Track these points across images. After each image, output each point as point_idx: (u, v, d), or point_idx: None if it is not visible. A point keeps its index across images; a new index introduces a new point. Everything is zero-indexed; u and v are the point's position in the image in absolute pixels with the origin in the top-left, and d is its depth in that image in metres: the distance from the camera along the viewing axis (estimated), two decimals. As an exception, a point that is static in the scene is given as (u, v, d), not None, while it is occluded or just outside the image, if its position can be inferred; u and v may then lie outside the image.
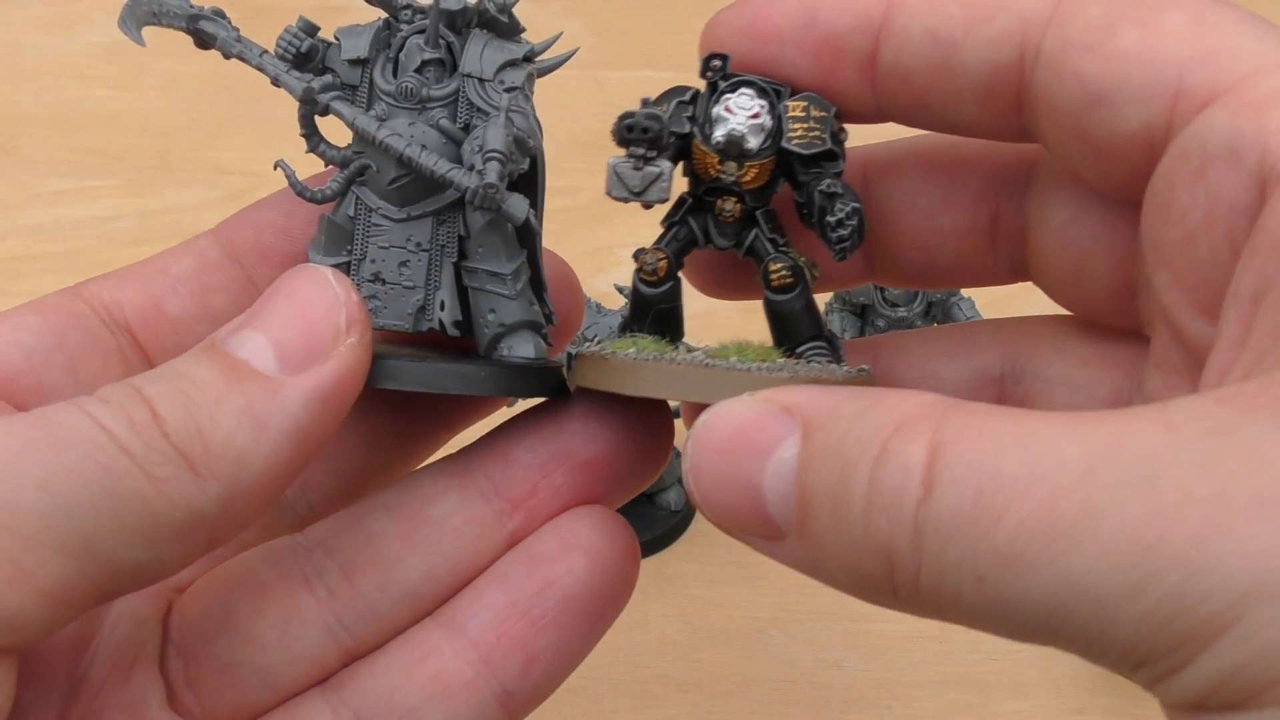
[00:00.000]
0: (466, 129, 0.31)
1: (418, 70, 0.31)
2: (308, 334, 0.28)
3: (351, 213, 0.32)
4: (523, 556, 0.32)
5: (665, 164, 0.31)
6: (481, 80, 0.31)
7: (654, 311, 0.33)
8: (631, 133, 0.31)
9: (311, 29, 0.32)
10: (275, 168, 0.32)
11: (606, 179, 0.31)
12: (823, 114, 0.31)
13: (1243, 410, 0.22)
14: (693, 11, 0.82)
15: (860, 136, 0.32)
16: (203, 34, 0.32)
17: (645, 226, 0.74)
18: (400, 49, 0.32)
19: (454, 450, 0.34)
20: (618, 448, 0.33)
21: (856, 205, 0.30)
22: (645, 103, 0.31)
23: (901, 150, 0.33)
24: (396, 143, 0.31)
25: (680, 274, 0.33)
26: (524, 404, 0.34)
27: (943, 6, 0.29)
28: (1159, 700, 0.23)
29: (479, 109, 0.31)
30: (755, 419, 0.26)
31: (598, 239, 0.70)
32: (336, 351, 0.28)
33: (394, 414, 0.34)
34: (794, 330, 0.32)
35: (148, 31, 0.35)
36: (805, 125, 0.31)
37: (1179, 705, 0.22)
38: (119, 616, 0.31)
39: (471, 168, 0.30)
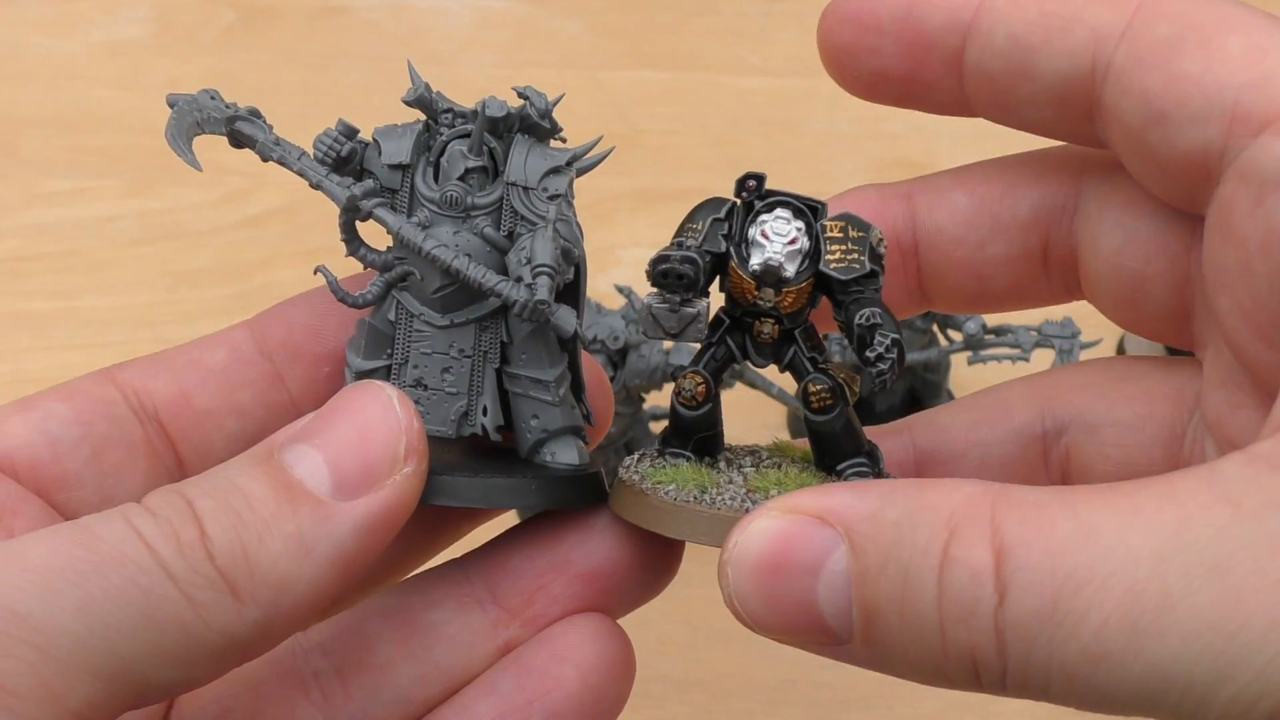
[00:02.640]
0: (510, 236, 0.32)
1: (460, 178, 0.31)
2: (365, 459, 0.28)
3: (392, 317, 0.32)
4: (513, 667, 0.32)
5: (702, 304, 0.31)
6: (526, 189, 0.32)
7: (695, 439, 0.33)
8: (666, 279, 0.31)
9: (350, 131, 0.32)
10: (315, 272, 0.32)
11: (641, 319, 0.32)
12: (861, 234, 0.31)
13: None
14: (693, 11, 0.82)
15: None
16: (240, 135, 0.32)
17: (646, 227, 0.74)
18: (442, 154, 0.32)
19: (458, 553, 0.34)
20: (620, 559, 0.33)
21: (896, 337, 0.30)
22: (679, 245, 0.31)
23: (948, 183, 0.34)
24: (444, 254, 0.31)
25: (719, 393, 0.33)
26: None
27: (1025, 13, 0.30)
28: None
29: (524, 218, 0.31)
30: (792, 534, 0.26)
31: (598, 239, 0.70)
32: (392, 480, 0.28)
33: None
34: (835, 449, 0.32)
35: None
36: (843, 248, 0.31)
37: None
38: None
39: (519, 279, 0.31)
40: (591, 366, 0.34)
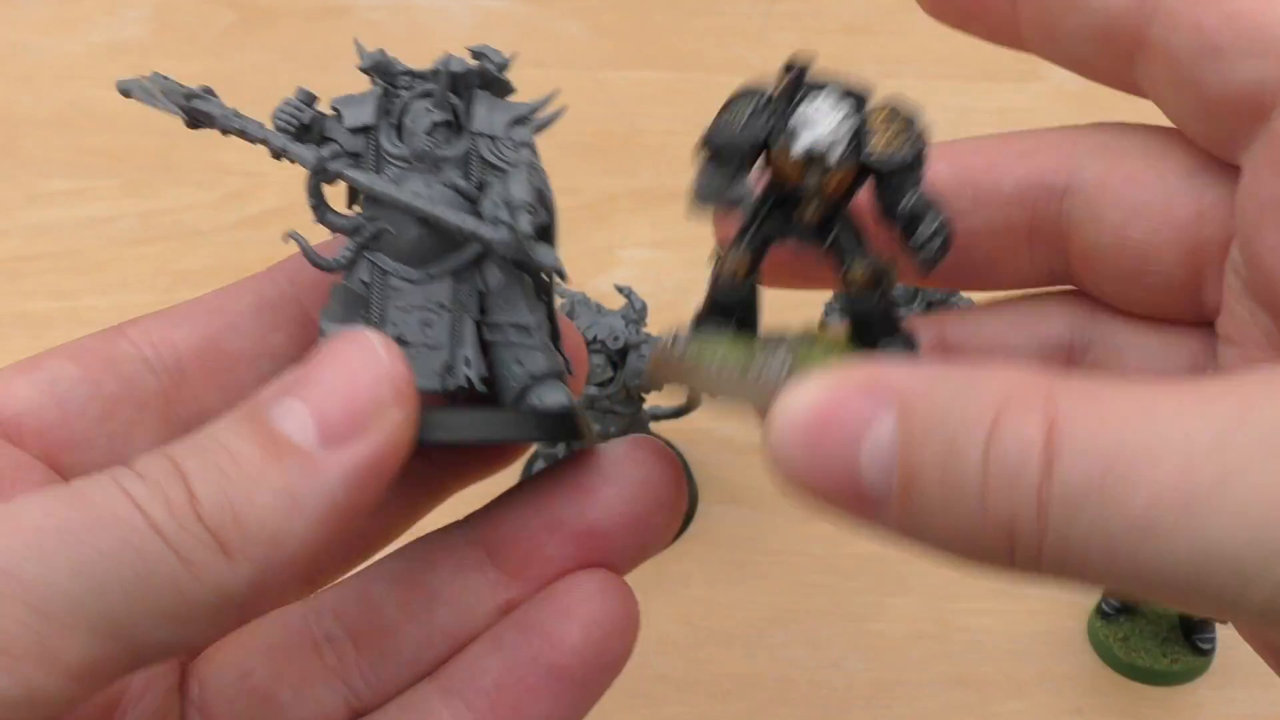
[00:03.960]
0: (480, 187, 0.32)
1: (427, 134, 0.31)
2: (351, 407, 0.27)
3: (366, 279, 0.32)
4: (519, 623, 0.32)
5: (747, 186, 0.31)
6: (493, 138, 0.32)
7: (726, 312, 0.32)
8: (721, 153, 0.30)
9: (310, 99, 0.32)
10: (286, 239, 0.32)
11: (690, 189, 0.31)
12: (906, 122, 0.30)
13: None
14: (693, 12, 0.82)
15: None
16: (197, 112, 0.32)
17: (646, 227, 0.74)
18: (403, 114, 0.32)
19: (460, 516, 0.35)
20: (615, 517, 0.33)
21: (943, 219, 0.30)
22: (711, 145, 0.31)
23: (931, 152, 0.33)
24: (421, 203, 0.31)
25: (760, 272, 0.32)
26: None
27: None
28: None
29: (493, 165, 0.31)
30: (838, 400, 0.25)
31: (598, 239, 0.70)
32: (379, 427, 0.27)
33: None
34: (874, 329, 0.32)
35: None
36: (886, 136, 0.30)
37: None
38: (144, 687, 0.32)
39: (496, 221, 0.31)
40: (560, 319, 0.34)
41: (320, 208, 0.32)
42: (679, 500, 0.34)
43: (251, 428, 0.27)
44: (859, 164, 0.30)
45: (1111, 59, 0.31)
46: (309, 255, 0.32)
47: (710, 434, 0.62)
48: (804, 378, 0.26)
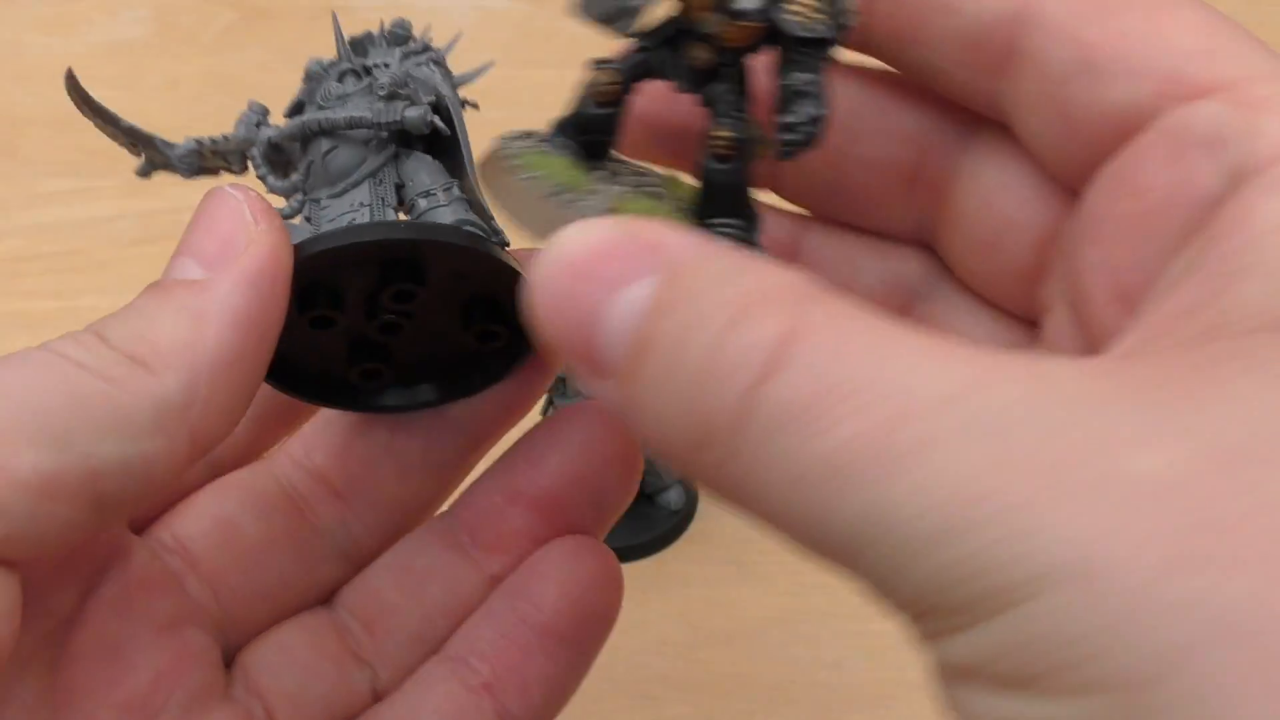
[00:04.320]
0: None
1: (338, 81, 0.33)
2: (220, 237, 0.29)
3: (309, 216, 0.33)
4: (505, 592, 0.35)
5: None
6: (388, 64, 0.33)
7: (587, 138, 0.31)
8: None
9: (265, 112, 0.34)
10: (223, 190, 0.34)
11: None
12: (831, 1, 0.28)
13: (1120, 387, 0.20)
14: (693, 12, 0.82)
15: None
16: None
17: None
18: (318, 91, 0.34)
19: None
20: (566, 481, 0.34)
21: (821, 114, 0.28)
22: None
23: (846, 71, 0.32)
24: (309, 118, 0.32)
25: (627, 99, 0.31)
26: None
27: None
28: (933, 658, 0.22)
29: (387, 84, 0.33)
30: (613, 246, 0.24)
31: (598, 239, 0.70)
32: (251, 240, 0.29)
33: (419, 440, 0.36)
34: (718, 203, 0.30)
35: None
36: (808, 7, 0.28)
37: (952, 666, 0.21)
38: (199, 654, 0.33)
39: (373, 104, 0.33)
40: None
41: (264, 178, 0.34)
42: (629, 455, 0.35)
43: (147, 290, 0.30)
44: (768, 22, 0.28)
45: (974, 70, 0.29)
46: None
47: (710, 434, 0.62)
48: (596, 220, 0.25)
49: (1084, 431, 0.20)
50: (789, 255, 0.34)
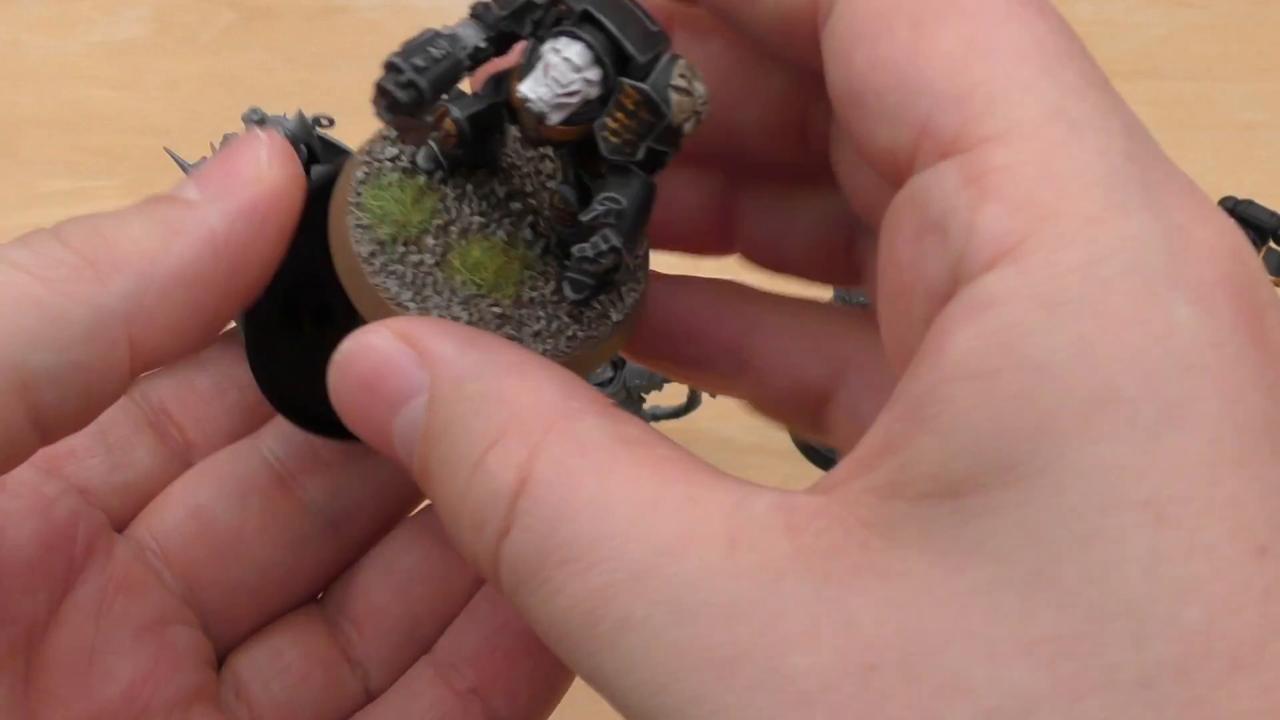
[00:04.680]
0: None
1: None
2: (229, 167, 0.28)
3: None
4: (489, 593, 0.33)
5: (429, 119, 0.26)
6: None
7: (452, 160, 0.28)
8: (383, 97, 0.25)
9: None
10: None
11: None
12: (652, 120, 0.25)
13: (801, 554, 0.21)
14: (693, 11, 0.82)
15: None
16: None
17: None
18: None
19: None
20: None
21: (617, 246, 0.25)
22: (433, 42, 0.25)
23: (710, 26, 0.29)
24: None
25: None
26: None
27: None
28: None
29: None
30: (390, 363, 0.25)
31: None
32: (257, 178, 0.28)
33: None
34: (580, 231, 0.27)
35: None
36: (627, 123, 0.25)
37: None
38: (180, 658, 0.32)
39: None
40: None
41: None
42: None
43: (141, 202, 0.28)
44: (580, 128, 0.25)
45: (798, 53, 0.25)
46: (186, 168, 0.33)
47: (710, 434, 0.62)
48: (374, 327, 0.25)
49: (757, 620, 0.20)
50: (722, 218, 0.32)
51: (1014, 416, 0.19)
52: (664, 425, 0.61)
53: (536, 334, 0.27)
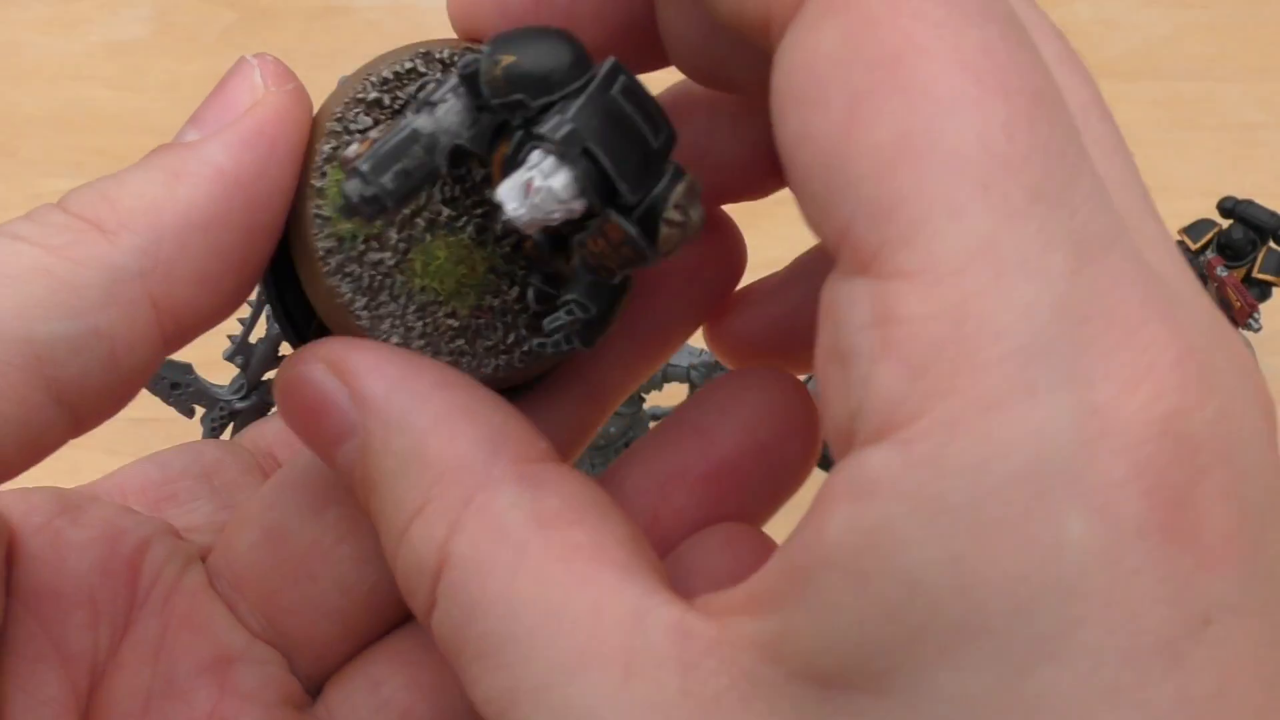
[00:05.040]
0: None
1: None
2: (224, 99, 0.26)
3: None
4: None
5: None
6: None
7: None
8: (345, 201, 0.24)
9: None
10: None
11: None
12: (633, 256, 0.23)
13: (681, 696, 0.21)
14: (693, 11, 0.82)
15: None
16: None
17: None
18: None
19: None
20: (744, 453, 0.28)
21: (582, 317, 0.24)
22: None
23: (685, 92, 0.28)
24: None
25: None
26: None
27: None
28: None
29: None
30: (325, 400, 0.24)
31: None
32: (258, 103, 0.25)
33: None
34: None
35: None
36: (604, 252, 0.24)
37: None
38: (251, 692, 0.29)
39: None
40: None
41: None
42: (811, 425, 0.28)
43: (141, 160, 0.26)
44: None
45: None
46: None
47: (710, 434, 0.62)
48: (306, 354, 0.25)
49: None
50: (706, 150, 0.28)
51: (881, 628, 0.18)
52: (664, 425, 0.60)
53: (490, 348, 0.26)
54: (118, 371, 0.24)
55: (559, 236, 0.24)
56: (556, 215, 0.23)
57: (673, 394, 0.59)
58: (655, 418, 0.60)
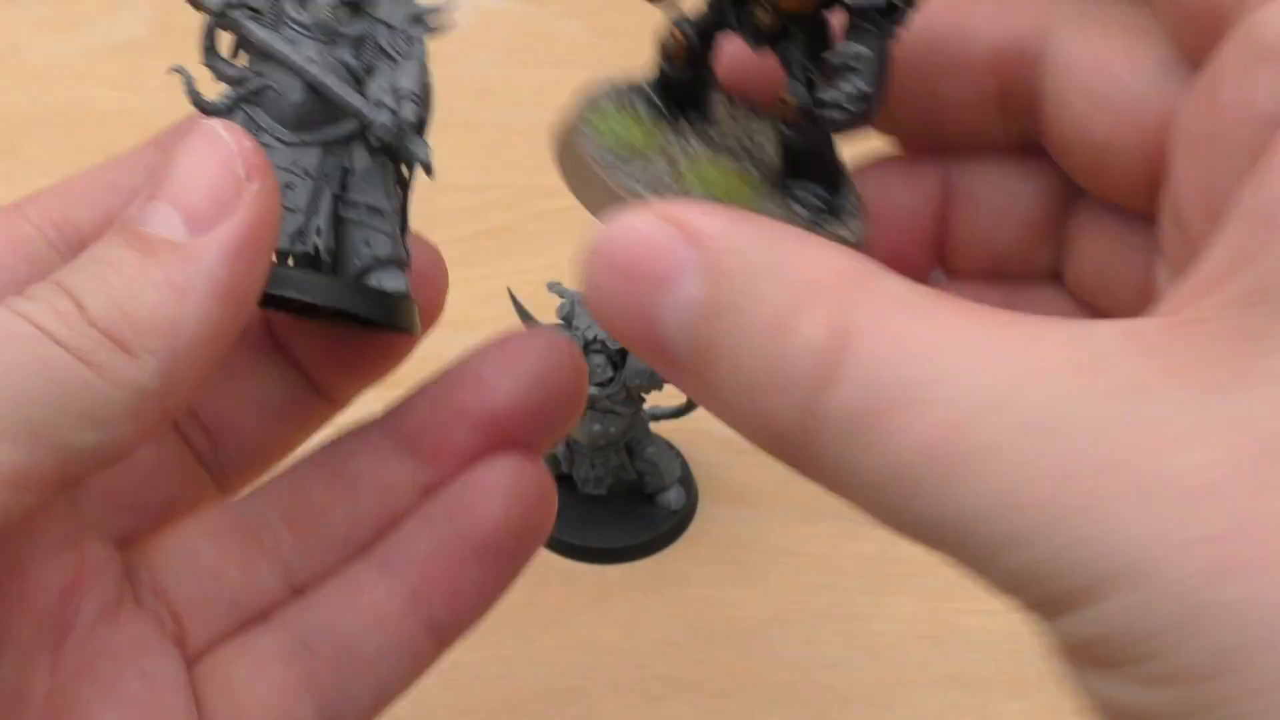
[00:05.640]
0: (368, 71, 0.32)
1: (331, 7, 0.32)
2: (209, 191, 0.28)
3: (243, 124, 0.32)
4: (444, 502, 0.35)
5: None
6: (391, 27, 0.32)
7: (671, 92, 0.30)
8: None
9: None
10: (171, 70, 0.32)
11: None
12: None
13: (1165, 370, 0.21)
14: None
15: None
16: None
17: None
18: None
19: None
20: (520, 406, 0.34)
21: (868, 91, 0.26)
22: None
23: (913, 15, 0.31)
24: (312, 68, 0.31)
25: (710, 53, 0.30)
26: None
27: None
28: (1045, 636, 0.23)
29: (385, 53, 0.32)
30: (654, 240, 0.24)
31: (598, 239, 0.70)
32: (242, 202, 0.28)
33: (304, 361, 0.36)
34: (797, 166, 0.28)
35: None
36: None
37: (1058, 646, 0.22)
38: (97, 572, 0.33)
39: (379, 104, 0.31)
40: (427, 247, 0.35)
41: (211, 52, 0.32)
42: (579, 383, 0.35)
43: (124, 238, 0.28)
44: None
45: (1009, 100, 0.29)
46: (192, 94, 0.32)
47: (710, 434, 0.62)
48: (630, 211, 0.24)
49: (1129, 430, 0.20)
50: (936, 204, 0.33)
51: None
52: (663, 425, 0.61)
53: None
54: (112, 464, 0.27)
55: (814, 44, 0.27)
56: None
57: (672, 394, 0.59)
58: (655, 418, 0.60)
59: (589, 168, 0.28)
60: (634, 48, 0.91)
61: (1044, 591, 0.21)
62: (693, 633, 0.56)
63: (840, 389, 0.22)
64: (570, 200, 0.33)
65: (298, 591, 0.35)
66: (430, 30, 0.33)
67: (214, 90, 0.33)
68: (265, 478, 0.36)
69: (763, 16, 0.27)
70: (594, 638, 0.55)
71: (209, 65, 0.32)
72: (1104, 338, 0.22)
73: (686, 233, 0.24)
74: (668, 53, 0.29)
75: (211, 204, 0.28)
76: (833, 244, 0.24)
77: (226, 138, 0.29)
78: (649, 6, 0.31)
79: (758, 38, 0.28)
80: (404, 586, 0.34)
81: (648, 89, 0.30)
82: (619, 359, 0.55)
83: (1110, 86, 0.29)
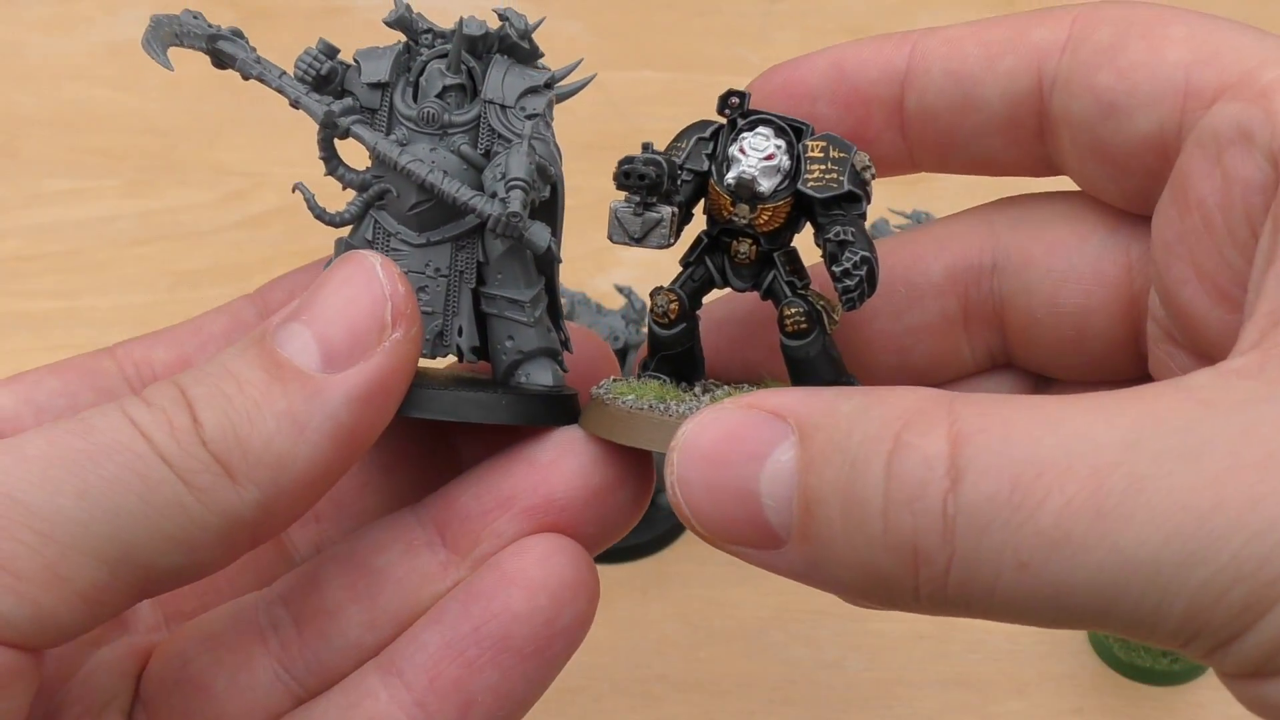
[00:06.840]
0: (488, 155, 0.32)
1: (439, 96, 0.32)
2: (352, 329, 0.28)
3: (370, 236, 0.32)
4: (460, 595, 0.31)
5: (666, 210, 0.31)
6: (503, 106, 0.32)
7: (664, 355, 0.33)
8: (629, 179, 0.30)
9: (331, 51, 0.32)
10: (294, 190, 0.32)
11: (608, 223, 0.31)
12: (842, 154, 0.30)
13: (1270, 380, 0.22)
14: (693, 12, 0.82)
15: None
16: (221, 54, 0.32)
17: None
18: (421, 73, 0.32)
19: None
20: (570, 491, 0.31)
21: (866, 254, 0.29)
22: (646, 147, 0.31)
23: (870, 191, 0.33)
24: (419, 169, 0.31)
25: (697, 315, 0.33)
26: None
27: (961, 47, 0.30)
28: (1215, 669, 0.23)
29: (500, 135, 0.31)
30: (743, 424, 0.26)
31: (598, 239, 0.69)
32: (381, 348, 0.28)
33: (409, 453, 0.34)
34: (810, 376, 0.31)
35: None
36: (823, 167, 0.30)
37: (1237, 674, 0.22)
38: (98, 663, 0.32)
39: (494, 195, 0.31)
40: (589, 334, 0.35)
41: (331, 161, 0.32)
42: (644, 475, 0.32)
43: (257, 352, 0.27)
44: (795, 196, 0.30)
45: (1020, 144, 0.31)
46: (313, 209, 0.32)
47: (710, 434, 0.62)
48: (709, 407, 0.26)
49: (1272, 423, 0.21)
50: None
51: None
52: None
53: None
54: (199, 579, 0.27)
55: (791, 259, 0.32)
56: (772, 153, 0.30)
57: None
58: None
59: (635, 415, 0.30)
60: (634, 47, 0.91)
61: (1225, 608, 0.21)
62: (693, 633, 0.56)
63: (969, 484, 0.23)
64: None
65: (299, 700, 0.32)
66: (546, 102, 0.32)
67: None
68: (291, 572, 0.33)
69: (745, 248, 0.31)
70: (594, 638, 0.55)
71: (331, 174, 0.32)
72: (1205, 375, 0.23)
73: (768, 411, 0.25)
74: (664, 313, 0.32)
75: (352, 343, 0.27)
76: (906, 388, 0.25)
77: (382, 278, 0.28)
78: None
79: (741, 276, 0.32)
80: (409, 694, 0.30)
81: (650, 372, 0.33)
82: (619, 359, 0.55)
83: (1070, 258, 0.31)
